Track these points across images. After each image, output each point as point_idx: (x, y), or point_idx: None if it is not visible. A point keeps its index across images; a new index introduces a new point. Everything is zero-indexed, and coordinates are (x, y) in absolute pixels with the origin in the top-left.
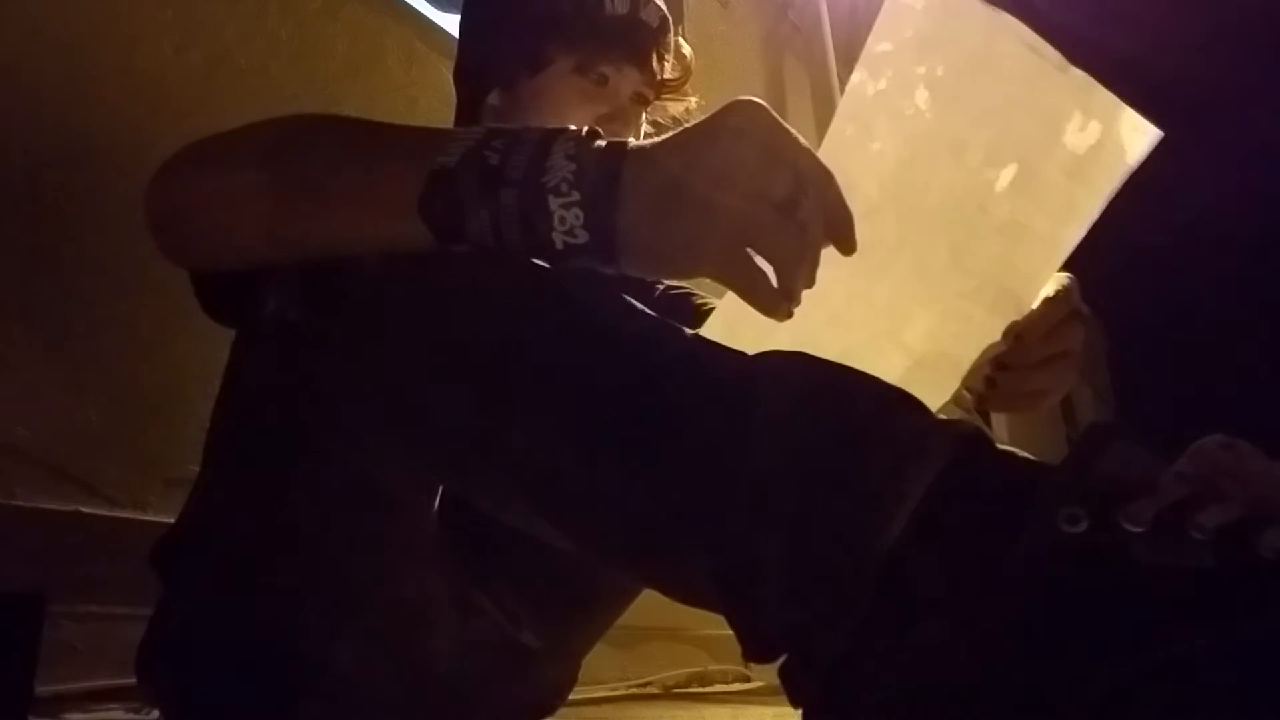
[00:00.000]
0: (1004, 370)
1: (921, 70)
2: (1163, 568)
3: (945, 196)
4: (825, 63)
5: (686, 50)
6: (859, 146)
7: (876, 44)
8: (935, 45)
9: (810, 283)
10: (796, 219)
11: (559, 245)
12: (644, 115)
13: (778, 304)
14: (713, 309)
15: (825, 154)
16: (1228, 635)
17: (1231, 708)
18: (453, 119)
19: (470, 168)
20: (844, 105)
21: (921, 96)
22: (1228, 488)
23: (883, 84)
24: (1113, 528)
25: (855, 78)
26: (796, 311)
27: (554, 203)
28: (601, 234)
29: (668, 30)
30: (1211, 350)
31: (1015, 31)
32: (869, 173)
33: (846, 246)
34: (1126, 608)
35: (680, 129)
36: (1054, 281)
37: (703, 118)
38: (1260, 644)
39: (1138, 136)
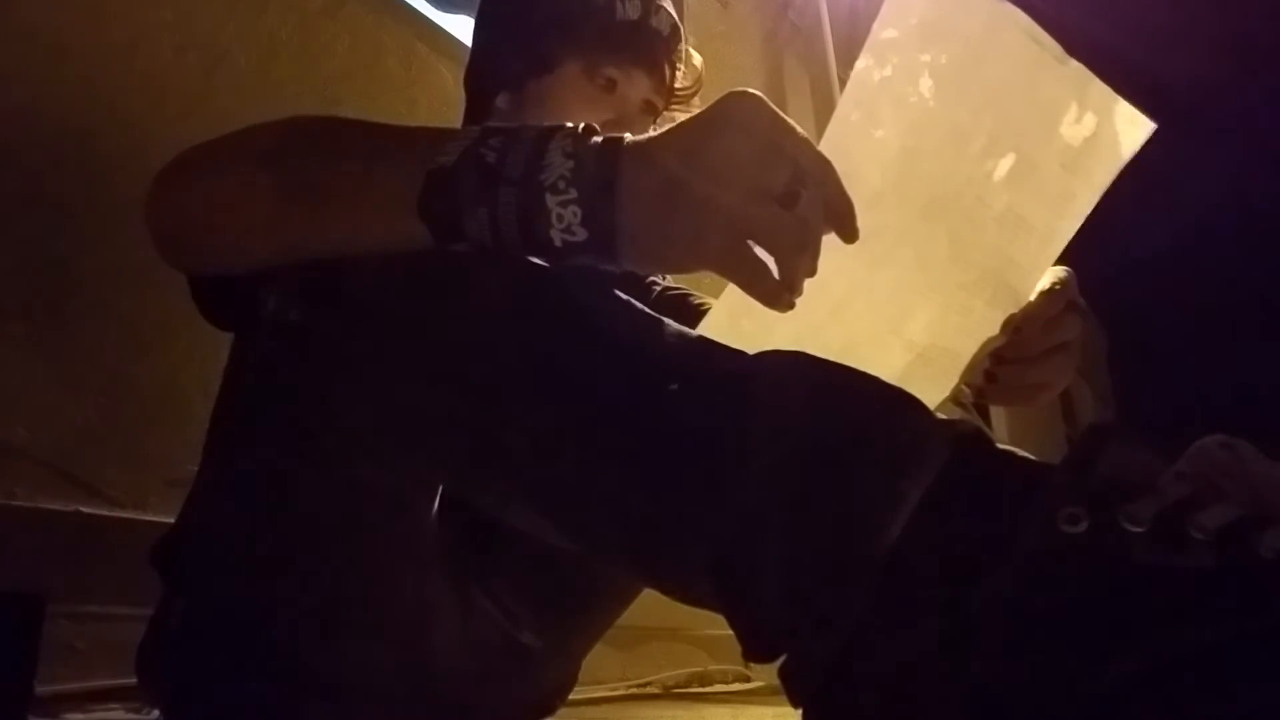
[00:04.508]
0: (1003, 364)
1: (926, 58)
2: (1163, 568)
3: (946, 186)
4: (825, 62)
5: (697, 60)
6: (863, 133)
7: (882, 30)
8: (939, 33)
9: (812, 272)
10: (796, 212)
11: (558, 243)
12: (652, 126)
13: (779, 295)
14: (711, 309)
15: (829, 140)
16: (1228, 635)
17: (1231, 708)
18: (456, 120)
19: (468, 167)
20: (849, 91)
21: (925, 84)
22: (1228, 488)
23: (888, 71)
24: (1113, 528)
25: (860, 64)
26: (799, 303)
27: (552, 200)
28: (600, 231)
29: (679, 38)
30: (1211, 350)
31: (1017, 21)
32: (872, 160)
33: (848, 235)
34: (1127, 608)
35: (678, 123)
36: (1051, 275)
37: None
38: (1260, 644)
39: (1132, 129)
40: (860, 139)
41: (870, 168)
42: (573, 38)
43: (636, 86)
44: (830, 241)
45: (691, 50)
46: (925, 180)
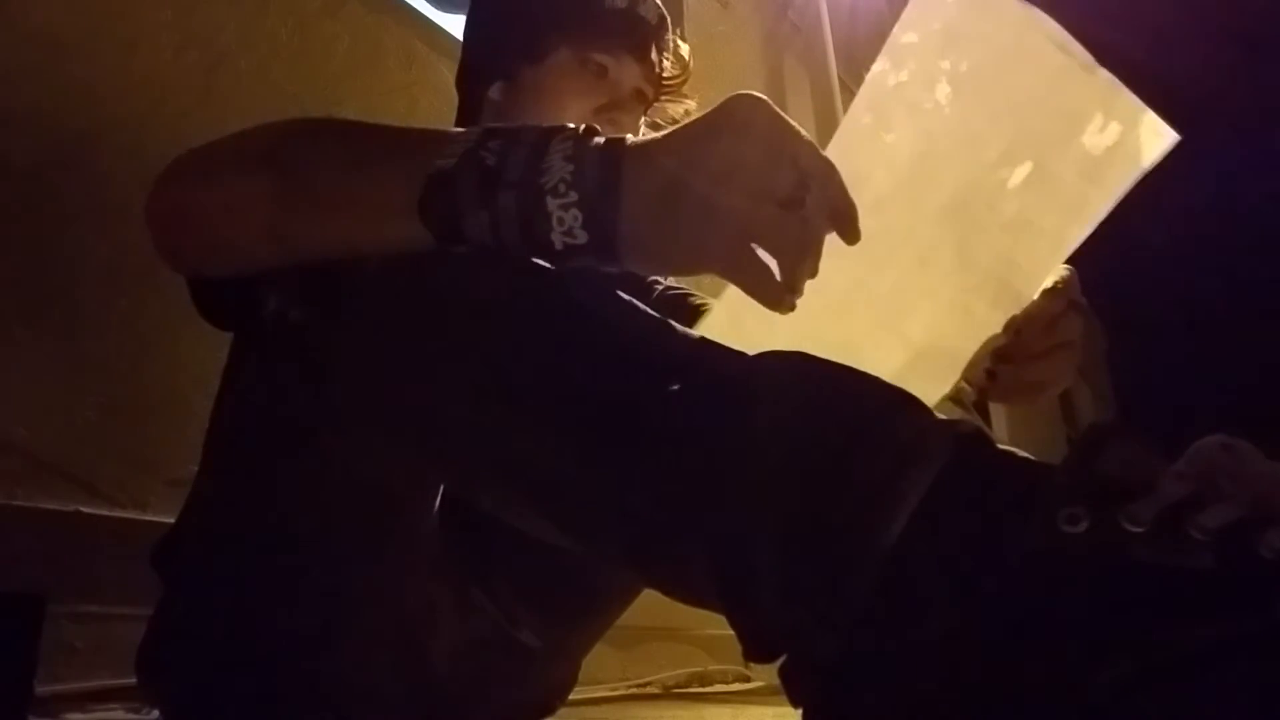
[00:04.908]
0: (1004, 363)
1: (945, 65)
2: (1163, 568)
3: (955, 192)
4: (825, 63)
5: (685, 50)
6: (873, 137)
7: (902, 34)
8: (963, 40)
9: (814, 273)
10: (800, 215)
11: (558, 246)
12: (643, 118)
13: (781, 297)
14: (711, 308)
15: (839, 142)
16: (1228, 635)
17: (1231, 708)
18: (453, 119)
19: (468, 170)
20: (863, 94)
21: (942, 91)
22: (1228, 488)
23: (904, 76)
24: (1113, 528)
25: (877, 67)
26: (800, 302)
27: (552, 204)
28: (601, 234)
29: (666, 28)
30: (1211, 350)
31: (1046, 29)
32: (881, 163)
33: (850, 237)
34: (1126, 608)
35: (680, 125)
36: (1054, 273)
37: (702, 113)
38: (1260, 644)
39: (1155, 140)
40: (870, 143)
41: (878, 171)
42: (564, 25)
43: (627, 73)
44: (833, 242)
45: (679, 41)
46: (934, 186)
